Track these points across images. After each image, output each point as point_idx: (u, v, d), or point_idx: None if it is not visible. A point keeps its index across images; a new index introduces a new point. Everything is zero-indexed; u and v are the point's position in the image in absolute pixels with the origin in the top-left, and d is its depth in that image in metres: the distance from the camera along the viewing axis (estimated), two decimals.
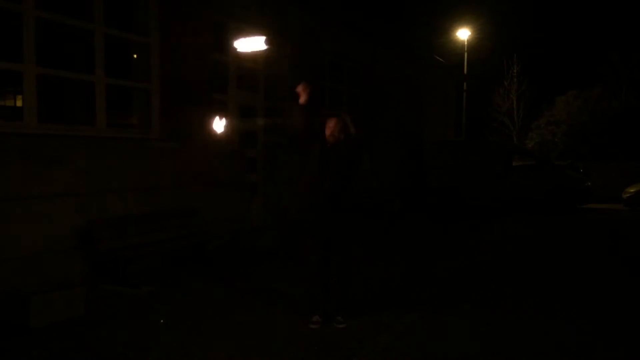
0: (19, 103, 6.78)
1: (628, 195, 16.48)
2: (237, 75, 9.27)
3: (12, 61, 5.92)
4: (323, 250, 4.92)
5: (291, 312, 5.23)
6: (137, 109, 7.75)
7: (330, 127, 4.88)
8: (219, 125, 5.28)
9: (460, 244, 9.60)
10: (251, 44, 6.13)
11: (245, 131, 9.60)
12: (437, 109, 19.04)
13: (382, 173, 14.02)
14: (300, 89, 4.95)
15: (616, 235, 10.95)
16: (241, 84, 9.45)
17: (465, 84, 26.84)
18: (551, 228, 11.95)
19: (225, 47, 8.84)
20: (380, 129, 14.08)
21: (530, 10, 37.56)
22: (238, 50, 5.92)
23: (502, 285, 6.58)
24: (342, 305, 4.95)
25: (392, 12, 14.76)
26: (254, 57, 8.96)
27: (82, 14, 6.63)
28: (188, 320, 5.05)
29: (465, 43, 28.50)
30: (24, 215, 5.66)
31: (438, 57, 19.60)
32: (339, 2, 12.56)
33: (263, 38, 5.79)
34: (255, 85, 9.97)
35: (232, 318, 5.14)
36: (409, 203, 14.78)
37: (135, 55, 7.78)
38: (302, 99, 4.95)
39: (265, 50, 8.53)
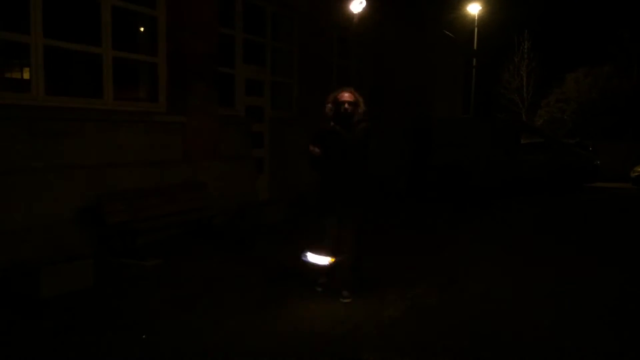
0: (26, 75, 6.76)
1: (636, 174, 16.39)
2: (245, 49, 9.22)
3: (19, 33, 5.90)
4: (332, 228, 4.96)
5: (298, 286, 5.28)
6: (144, 83, 7.73)
7: (345, 97, 4.82)
8: None
9: (463, 227, 9.57)
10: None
11: (252, 106, 9.57)
12: (445, 85, 18.87)
13: (388, 151, 13.97)
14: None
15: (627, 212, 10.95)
16: (248, 58, 9.39)
17: (474, 60, 26.48)
18: (560, 210, 11.91)
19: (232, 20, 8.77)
20: (387, 106, 13.98)
21: None
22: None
23: (499, 269, 6.58)
24: (347, 281, 4.98)
25: None
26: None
27: None
28: (194, 293, 5.10)
29: (476, 18, 28.03)
30: (33, 188, 5.69)
31: (448, 32, 19.34)
32: None
33: None
34: (263, 59, 9.90)
35: (238, 291, 5.18)
36: (415, 181, 14.75)
37: (142, 29, 7.73)
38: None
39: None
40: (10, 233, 5.42)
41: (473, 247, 7.43)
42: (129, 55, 7.31)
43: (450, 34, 19.58)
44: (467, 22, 27.78)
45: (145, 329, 4.16)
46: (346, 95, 4.84)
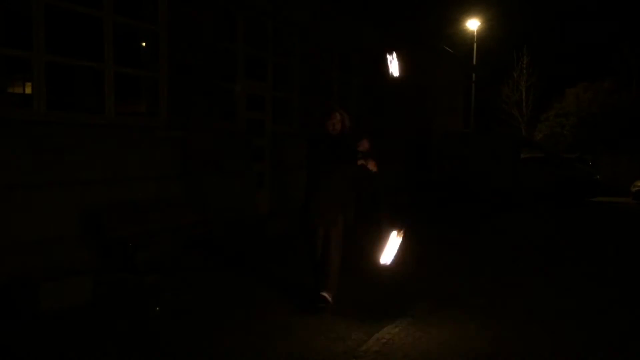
0: (27, 90, 6.80)
1: (637, 188, 16.39)
2: (246, 64, 9.27)
3: (21, 48, 5.93)
4: (316, 242, 5.08)
5: (297, 301, 5.26)
6: (145, 97, 7.76)
7: (333, 121, 5.12)
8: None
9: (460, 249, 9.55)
10: None
11: (253, 120, 9.60)
12: (445, 99, 18.94)
13: (388, 165, 13.95)
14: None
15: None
16: (249, 73, 9.43)
17: (474, 75, 26.64)
18: (560, 226, 11.89)
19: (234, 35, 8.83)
20: (388, 120, 14.02)
21: (541, 0, 37.23)
22: None
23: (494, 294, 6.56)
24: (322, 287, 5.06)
25: (402, 1, 14.65)
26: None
27: (91, 2, 6.62)
28: (193, 309, 5.08)
29: (475, 33, 28.23)
30: (33, 202, 5.69)
31: (447, 48, 19.45)
32: None
33: None
34: (264, 74, 9.95)
35: (237, 307, 5.16)
36: (414, 196, 14.72)
37: (143, 44, 7.78)
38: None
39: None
40: (10, 247, 5.41)
41: (468, 263, 7.41)
42: (130, 71, 7.34)
43: (450, 49, 19.68)
44: (466, 38, 27.98)
45: (142, 345, 4.14)
46: (331, 124, 5.11)
